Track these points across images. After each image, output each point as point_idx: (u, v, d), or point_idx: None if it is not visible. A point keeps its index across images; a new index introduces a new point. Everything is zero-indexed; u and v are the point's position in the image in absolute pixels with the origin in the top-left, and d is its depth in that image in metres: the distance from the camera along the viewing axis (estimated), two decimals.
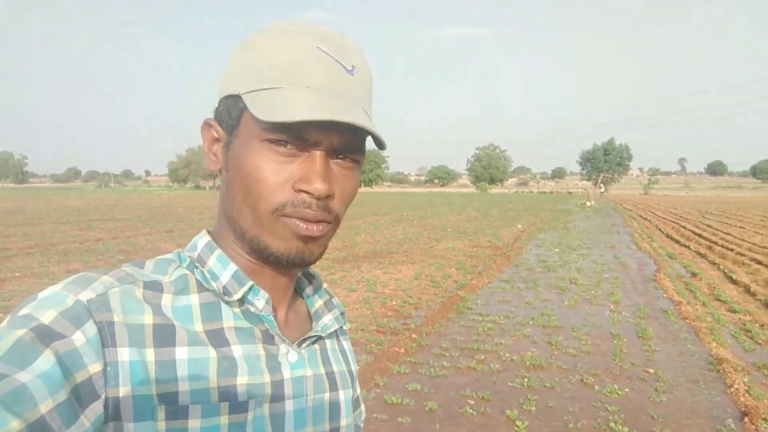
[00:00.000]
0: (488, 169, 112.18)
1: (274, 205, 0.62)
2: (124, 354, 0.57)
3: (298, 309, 0.76)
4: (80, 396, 0.53)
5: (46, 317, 0.54)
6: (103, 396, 0.55)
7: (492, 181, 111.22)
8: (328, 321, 0.75)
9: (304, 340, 0.71)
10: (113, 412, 0.56)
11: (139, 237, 15.58)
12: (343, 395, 0.75)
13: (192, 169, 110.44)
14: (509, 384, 4.82)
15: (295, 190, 0.62)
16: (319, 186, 0.61)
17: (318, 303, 0.78)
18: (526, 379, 4.88)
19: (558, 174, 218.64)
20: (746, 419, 4.13)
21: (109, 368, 0.55)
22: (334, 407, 0.73)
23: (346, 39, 0.66)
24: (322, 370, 0.73)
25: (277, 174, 0.62)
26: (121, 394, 0.56)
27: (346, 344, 0.82)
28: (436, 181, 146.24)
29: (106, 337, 0.56)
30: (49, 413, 0.49)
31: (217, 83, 0.68)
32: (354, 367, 0.81)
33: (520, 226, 21.71)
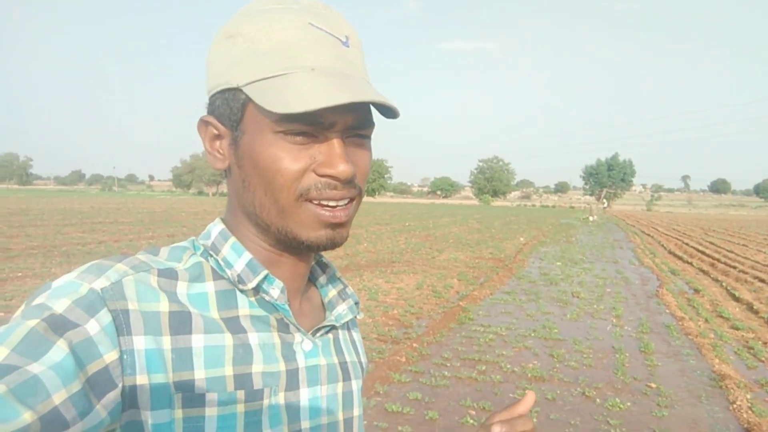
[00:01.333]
0: (491, 181, 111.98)
1: (297, 191, 0.61)
2: (140, 342, 0.56)
3: (311, 298, 0.76)
4: (96, 385, 0.52)
5: (60, 306, 0.53)
6: (120, 385, 0.54)
7: (495, 193, 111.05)
8: (342, 311, 0.75)
9: (319, 329, 0.70)
10: (130, 401, 0.55)
11: (141, 240, 15.59)
12: (356, 385, 0.75)
13: (196, 175, 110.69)
14: (510, 395, 4.79)
15: (318, 175, 0.61)
16: (343, 168, 0.60)
17: (332, 292, 0.77)
18: (527, 391, 4.84)
19: (561, 188, 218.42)
20: None
21: (125, 356, 0.55)
22: (347, 397, 0.73)
23: (332, 9, 0.65)
24: (336, 360, 0.72)
25: (297, 162, 0.61)
26: (138, 383, 0.55)
27: (357, 336, 0.82)
28: (438, 192, 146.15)
29: (121, 325, 0.55)
30: (62, 404, 0.49)
31: (206, 77, 0.66)
32: (364, 360, 0.81)
33: (522, 239, 21.68)
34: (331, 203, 0.62)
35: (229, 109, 0.63)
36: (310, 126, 0.60)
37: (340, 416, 0.71)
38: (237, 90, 0.62)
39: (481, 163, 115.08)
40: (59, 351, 0.50)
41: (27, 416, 0.46)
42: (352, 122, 0.61)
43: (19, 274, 9.39)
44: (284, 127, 0.60)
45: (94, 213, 28.61)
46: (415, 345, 6.07)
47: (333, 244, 0.65)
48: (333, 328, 0.73)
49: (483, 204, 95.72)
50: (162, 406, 0.57)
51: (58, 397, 0.49)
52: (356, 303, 0.77)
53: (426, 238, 20.23)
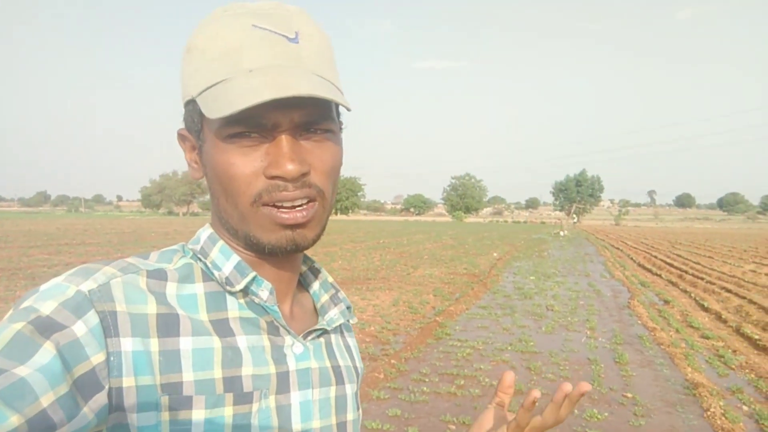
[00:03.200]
0: (464, 198, 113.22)
1: (251, 197, 0.61)
2: (127, 344, 0.56)
3: (303, 303, 0.75)
4: (83, 387, 0.52)
5: (46, 308, 0.53)
6: (106, 386, 0.54)
7: (467, 210, 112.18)
8: (333, 315, 0.74)
9: (310, 332, 0.70)
10: (117, 403, 0.55)
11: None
12: (350, 389, 0.74)
13: (165, 195, 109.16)
14: None
15: (267, 177, 0.60)
16: (289, 168, 0.59)
17: (324, 297, 0.76)
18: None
19: (532, 204, 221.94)
20: None
21: (112, 358, 0.54)
22: (341, 401, 0.72)
23: (285, 6, 0.64)
24: (328, 364, 0.71)
25: (247, 165, 0.60)
26: (124, 385, 0.55)
27: (351, 341, 0.81)
28: (412, 209, 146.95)
29: (108, 327, 0.55)
30: (50, 406, 0.48)
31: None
32: (359, 364, 0.80)
33: (496, 254, 21.87)
34: (287, 204, 0.61)
35: (192, 121, 0.65)
36: (254, 128, 0.60)
37: (333, 420, 0.70)
38: (194, 101, 0.63)
39: (453, 180, 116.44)
40: (46, 353, 0.50)
41: (14, 420, 0.46)
42: (300, 119, 0.60)
43: None
44: (229, 131, 0.60)
45: (60, 234, 27.91)
46: (393, 361, 6.04)
47: (296, 247, 0.64)
48: (325, 332, 0.73)
49: (456, 220, 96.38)
50: (148, 408, 0.56)
51: (46, 400, 0.48)
52: (348, 307, 0.77)
53: (401, 254, 20.24)
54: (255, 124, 0.59)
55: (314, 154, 0.62)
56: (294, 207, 0.61)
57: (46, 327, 0.51)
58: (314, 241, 0.65)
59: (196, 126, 0.64)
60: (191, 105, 0.63)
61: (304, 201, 0.62)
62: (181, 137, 0.68)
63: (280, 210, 0.61)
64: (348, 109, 0.62)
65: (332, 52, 0.66)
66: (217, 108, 0.57)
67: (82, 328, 0.53)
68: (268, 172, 0.60)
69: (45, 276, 11.78)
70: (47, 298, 0.54)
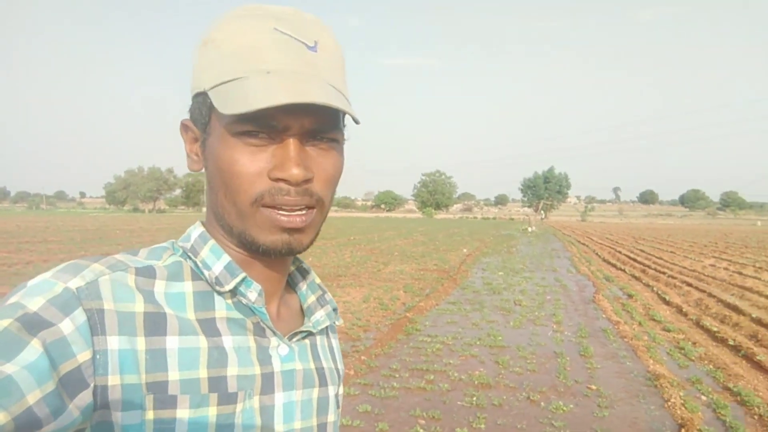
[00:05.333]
0: (434, 194, 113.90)
1: (252, 196, 0.61)
2: (114, 342, 0.56)
3: (290, 303, 0.76)
4: (69, 385, 0.52)
5: (34, 305, 0.53)
6: (92, 385, 0.54)
7: (438, 206, 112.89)
8: (320, 317, 0.75)
9: (295, 334, 0.70)
10: (101, 401, 0.55)
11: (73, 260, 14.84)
12: (332, 391, 0.75)
13: (131, 191, 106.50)
14: (459, 403, 4.85)
15: (271, 179, 0.61)
16: (295, 172, 0.60)
17: (311, 298, 0.77)
18: (475, 398, 4.92)
19: (501, 200, 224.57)
20: (683, 431, 4.31)
21: (98, 356, 0.55)
22: (323, 402, 0.73)
23: (305, 14, 0.64)
24: (312, 365, 0.72)
25: (252, 165, 0.61)
26: (109, 383, 0.55)
27: (335, 342, 0.82)
28: (382, 206, 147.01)
29: (95, 325, 0.55)
30: (36, 404, 0.48)
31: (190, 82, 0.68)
32: (341, 366, 0.81)
33: (465, 250, 22.08)
34: (286, 208, 0.62)
35: (200, 113, 0.65)
36: (265, 129, 0.60)
37: (314, 421, 0.71)
38: (205, 94, 0.63)
39: (424, 177, 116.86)
40: (33, 351, 0.50)
41: (0, 417, 0.46)
42: (310, 126, 0.61)
43: None
44: (238, 129, 0.60)
45: (21, 232, 27.07)
46: (363, 358, 6.06)
47: (290, 250, 0.65)
48: (310, 333, 0.73)
49: (426, 217, 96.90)
50: (133, 407, 0.56)
51: (32, 397, 0.48)
52: (334, 309, 0.77)
53: (371, 251, 20.26)
54: (266, 125, 0.59)
55: (318, 162, 0.63)
56: (293, 211, 0.62)
57: (33, 324, 0.51)
58: (308, 246, 0.66)
59: (203, 118, 0.64)
60: (201, 97, 0.63)
61: (304, 207, 0.63)
62: (185, 128, 0.68)
63: (280, 212, 0.61)
64: (356, 122, 0.63)
65: (344, 64, 0.68)
66: (231, 104, 0.57)
67: (69, 325, 0.53)
68: (273, 174, 0.60)
69: (4, 275, 11.43)
70: (35, 295, 0.54)
